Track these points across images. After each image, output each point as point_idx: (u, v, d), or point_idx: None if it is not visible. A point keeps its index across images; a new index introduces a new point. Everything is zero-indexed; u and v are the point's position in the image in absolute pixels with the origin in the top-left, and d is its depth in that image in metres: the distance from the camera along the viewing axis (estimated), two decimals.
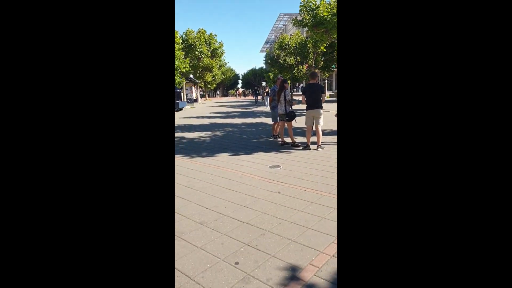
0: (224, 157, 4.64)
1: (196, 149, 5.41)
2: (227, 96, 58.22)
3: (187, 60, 13.22)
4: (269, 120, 8.50)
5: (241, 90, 50.55)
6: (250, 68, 74.35)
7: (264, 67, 63.25)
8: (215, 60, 21.38)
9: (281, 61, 24.27)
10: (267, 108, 16.38)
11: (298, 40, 20.74)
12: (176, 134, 7.38)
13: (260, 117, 11.38)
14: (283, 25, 53.78)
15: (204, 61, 20.14)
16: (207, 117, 12.36)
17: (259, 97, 21.58)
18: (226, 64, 23.90)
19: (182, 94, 20.64)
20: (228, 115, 13.42)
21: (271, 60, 25.44)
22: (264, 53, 74.29)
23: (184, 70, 12.63)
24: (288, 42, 22.14)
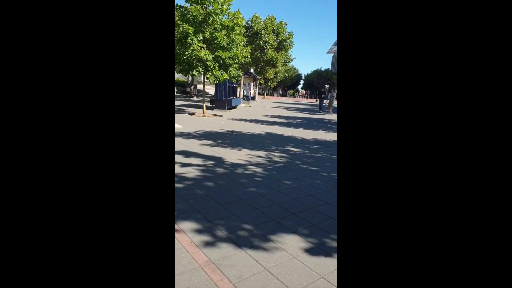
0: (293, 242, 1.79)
1: (236, 209, 2.61)
2: (285, 96, 55.34)
3: (249, 49, 10.69)
4: None
5: (303, 91, 47.21)
6: (314, 69, 69.74)
7: (330, 68, 58.63)
8: (281, 53, 18.54)
9: None
10: (332, 116, 12.97)
11: None
12: (211, 151, 4.76)
13: (333, 130, 8.24)
14: None
15: (268, 54, 17.41)
16: (262, 122, 9.60)
17: (325, 101, 17.55)
18: (292, 60, 20.78)
19: (238, 89, 18.42)
20: (290, 122, 10.48)
21: None
22: (332, 55, 69.57)
23: (243, 61, 10.13)
24: None
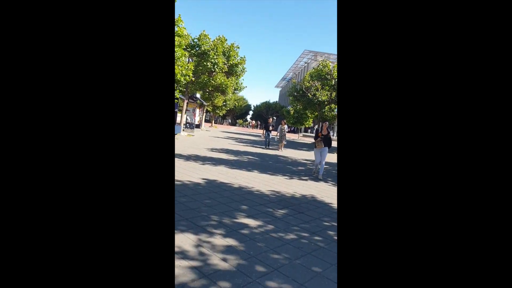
0: None
1: None
2: (235, 125, 54.11)
3: (191, 65, 8.50)
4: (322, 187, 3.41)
5: (254, 122, 46.95)
6: (263, 100, 71.45)
7: (278, 101, 60.07)
8: (232, 79, 16.79)
9: (310, 95, 19.76)
10: (286, 152, 11.13)
11: None
12: None
13: (296, 175, 6.27)
14: (305, 62, 51.20)
15: (217, 78, 15.45)
16: (203, 161, 7.16)
17: (273, 134, 13.70)
18: (243, 88, 19.20)
19: (177, 115, 15.83)
20: (240, 159, 8.24)
21: (297, 92, 21.02)
22: (279, 89, 72.44)
23: (182, 79, 7.85)
24: (330, 71, 17.12)
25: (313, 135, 33.01)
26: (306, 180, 6.17)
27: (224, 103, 26.90)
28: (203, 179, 5.00)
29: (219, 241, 2.56)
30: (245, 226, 3.01)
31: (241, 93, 58.46)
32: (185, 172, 5.35)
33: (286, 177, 6.25)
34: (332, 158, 10.98)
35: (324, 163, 6.48)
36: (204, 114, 24.25)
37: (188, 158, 7.25)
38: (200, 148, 9.78)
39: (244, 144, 13.73)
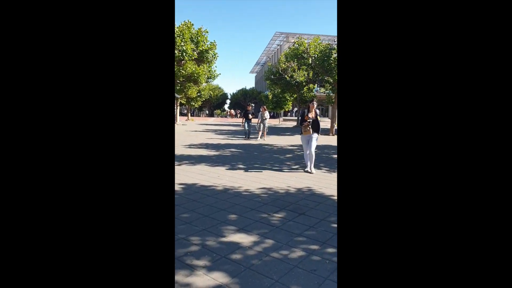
0: None
1: None
2: (213, 116, 52.75)
3: None
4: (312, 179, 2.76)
5: (232, 111, 46.17)
6: (239, 88, 70.32)
7: (255, 87, 58.99)
8: (203, 67, 15.61)
9: (288, 77, 19.02)
10: (271, 140, 10.41)
11: (319, 48, 14.94)
12: None
13: (286, 165, 5.61)
14: (278, 45, 50.09)
15: (188, 68, 14.26)
16: (180, 160, 6.31)
17: (254, 120, 11.90)
18: (217, 76, 18.06)
19: None
20: (222, 153, 7.46)
21: (273, 75, 20.19)
22: (255, 74, 71.27)
23: None
24: (306, 49, 16.08)
25: (294, 118, 32.48)
26: (297, 170, 5.54)
27: (198, 94, 25.62)
28: (180, 184, 4.21)
29: (203, 279, 1.84)
30: (237, 247, 2.30)
31: (215, 82, 56.77)
32: None
33: (275, 168, 5.58)
34: (321, 140, 10.48)
35: (314, 152, 5.24)
36: (179, 107, 22.92)
37: None
38: (176, 145, 8.86)
39: (225, 136, 12.90)
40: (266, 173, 5.14)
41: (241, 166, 5.76)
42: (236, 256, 2.14)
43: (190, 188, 4.02)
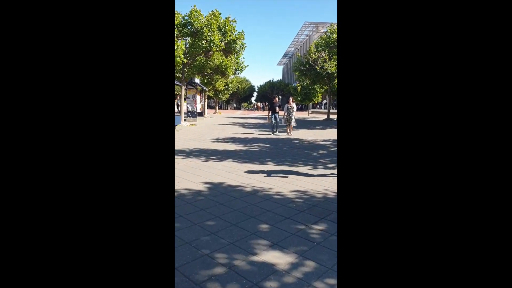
0: None
1: None
2: (240, 109, 52.70)
3: (181, 44, 7.16)
4: None
5: (259, 104, 45.95)
6: (266, 80, 69.57)
7: (282, 79, 57.81)
8: (231, 58, 15.24)
9: (318, 68, 18.06)
10: (298, 134, 9.71)
11: None
12: None
13: (320, 164, 5.06)
14: (307, 35, 48.32)
15: (216, 59, 13.95)
16: (207, 156, 6.03)
17: (280, 113, 10.68)
18: (245, 68, 17.62)
19: (177, 103, 14.67)
20: (250, 149, 7.09)
21: (303, 66, 19.30)
22: (282, 66, 69.84)
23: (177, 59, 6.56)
24: None
25: (324, 110, 31.41)
26: (333, 168, 4.98)
27: (226, 86, 25.43)
28: (206, 183, 3.88)
29: None
30: (271, 270, 1.88)
31: (242, 74, 56.44)
32: (183, 176, 4.24)
33: (308, 167, 5.07)
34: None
35: None
36: (206, 100, 22.93)
37: (188, 154, 6.14)
38: (203, 139, 8.65)
39: (252, 129, 12.53)
40: (299, 172, 4.66)
41: (270, 163, 5.33)
42: (271, 285, 1.73)
43: (216, 188, 3.68)
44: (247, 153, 6.40)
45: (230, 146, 7.31)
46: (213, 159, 5.60)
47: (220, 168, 4.83)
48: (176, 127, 11.29)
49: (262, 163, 5.33)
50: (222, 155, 6.00)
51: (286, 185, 3.86)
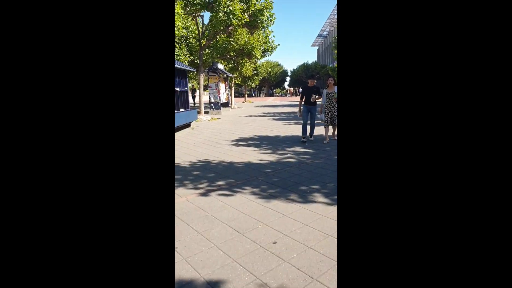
0: None
1: None
2: (272, 95, 49.99)
3: (178, 8, 4.92)
4: None
5: (291, 89, 43.11)
6: (300, 63, 65.57)
7: (317, 61, 53.43)
8: (258, 36, 12.68)
9: None
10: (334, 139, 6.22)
11: None
12: None
13: None
14: None
15: (239, 38, 11.51)
16: (214, 176, 3.78)
17: (318, 110, 6.35)
18: (276, 47, 14.97)
19: (192, 94, 12.59)
20: (281, 160, 4.69)
21: None
22: (316, 47, 64.85)
23: (180, 34, 4.39)
24: None
25: None
26: None
27: (254, 72, 22.92)
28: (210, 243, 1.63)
29: None
30: None
31: (274, 58, 53.15)
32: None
33: None
34: None
35: None
36: (233, 88, 20.68)
37: (185, 175, 3.94)
38: (219, 141, 6.46)
39: (284, 122, 10.04)
40: None
41: (321, 200, 2.92)
42: None
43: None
44: (277, 172, 4.02)
45: (252, 155, 5.00)
46: (220, 187, 3.36)
47: (225, 217, 2.56)
48: (192, 123, 9.25)
49: (305, 200, 2.94)
50: (236, 177, 3.73)
51: None
